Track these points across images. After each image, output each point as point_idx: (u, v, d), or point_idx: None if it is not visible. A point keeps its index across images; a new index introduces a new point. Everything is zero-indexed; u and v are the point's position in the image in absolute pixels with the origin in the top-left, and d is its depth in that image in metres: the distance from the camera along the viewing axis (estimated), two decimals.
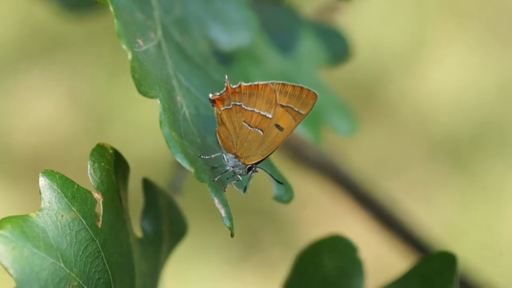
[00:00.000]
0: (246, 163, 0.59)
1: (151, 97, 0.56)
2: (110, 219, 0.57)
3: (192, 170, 0.55)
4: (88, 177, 0.57)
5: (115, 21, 0.55)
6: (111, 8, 0.55)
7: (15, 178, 1.67)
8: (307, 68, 0.77)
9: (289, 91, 0.59)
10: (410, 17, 1.85)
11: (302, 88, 0.59)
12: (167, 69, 0.60)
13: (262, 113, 0.59)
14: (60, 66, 1.76)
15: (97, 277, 0.56)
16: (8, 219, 0.52)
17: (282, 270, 0.70)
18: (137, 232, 0.62)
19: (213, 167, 0.59)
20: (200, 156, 0.58)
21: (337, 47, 0.80)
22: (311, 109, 0.59)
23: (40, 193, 0.54)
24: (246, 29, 0.70)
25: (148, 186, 0.63)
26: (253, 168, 0.59)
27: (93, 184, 0.57)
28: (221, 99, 0.59)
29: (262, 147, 0.59)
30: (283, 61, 0.76)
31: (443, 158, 1.74)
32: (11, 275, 0.51)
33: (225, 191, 0.58)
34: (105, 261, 0.56)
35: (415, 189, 1.70)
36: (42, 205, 0.54)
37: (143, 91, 0.55)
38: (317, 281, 0.68)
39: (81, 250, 0.55)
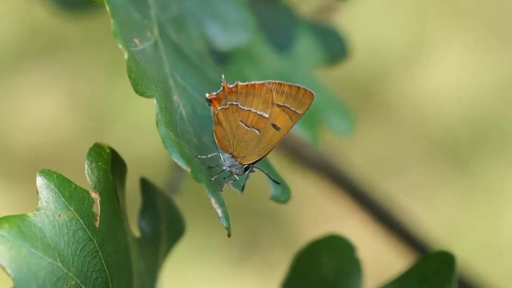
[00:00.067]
0: (243, 163, 0.59)
1: (148, 96, 0.56)
2: (107, 218, 0.57)
3: (188, 169, 0.55)
4: (85, 176, 0.57)
5: (111, 20, 0.55)
6: (107, 8, 0.55)
7: (15, 178, 1.67)
8: (304, 68, 0.77)
9: (286, 90, 0.59)
10: (410, 17, 1.85)
11: (298, 87, 0.59)
12: (163, 69, 0.60)
13: (258, 112, 0.59)
14: (60, 66, 1.76)
15: (94, 276, 0.56)
16: (5, 219, 0.52)
17: (281, 270, 0.70)
18: (135, 232, 0.62)
19: (209, 167, 0.59)
20: (197, 155, 0.58)
21: (334, 47, 0.79)
22: (307, 109, 0.59)
23: (37, 193, 0.55)
24: (243, 29, 0.70)
25: (146, 185, 0.63)
26: (250, 168, 0.59)
27: (90, 183, 0.57)
28: (218, 98, 0.59)
29: (259, 147, 0.59)
30: (280, 60, 0.76)
31: (443, 158, 1.74)
32: (8, 275, 0.51)
33: (222, 191, 0.58)
34: (102, 261, 0.56)
35: (415, 189, 1.70)
36: (40, 205, 0.54)
37: (140, 90, 0.55)
38: (315, 280, 0.68)
39: (79, 250, 0.55)
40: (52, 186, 0.55)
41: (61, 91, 1.75)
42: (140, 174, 0.64)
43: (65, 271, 0.54)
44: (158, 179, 0.70)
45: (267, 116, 0.59)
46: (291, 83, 0.59)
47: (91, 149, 0.57)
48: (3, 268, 0.51)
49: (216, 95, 0.59)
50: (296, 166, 0.92)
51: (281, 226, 1.67)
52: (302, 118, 0.60)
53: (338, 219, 1.62)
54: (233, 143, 0.59)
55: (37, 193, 0.54)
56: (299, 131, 0.74)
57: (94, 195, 0.56)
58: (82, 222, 0.55)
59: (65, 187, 0.55)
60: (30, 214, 0.53)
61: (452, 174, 1.72)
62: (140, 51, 0.57)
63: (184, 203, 0.71)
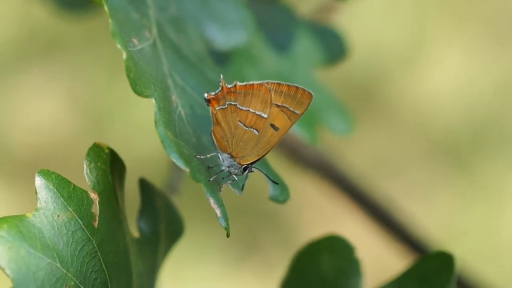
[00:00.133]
0: (242, 163, 0.59)
1: (146, 96, 0.56)
2: (106, 219, 0.57)
3: (187, 169, 0.55)
4: (84, 177, 0.57)
5: (110, 20, 0.55)
6: (105, 8, 0.55)
7: (15, 178, 1.67)
8: (303, 68, 0.77)
9: (284, 90, 0.59)
10: (410, 17, 1.85)
11: (297, 87, 0.59)
12: (162, 69, 0.60)
13: (257, 112, 0.59)
14: (59, 66, 1.76)
15: (93, 277, 0.56)
16: (4, 219, 0.52)
17: (281, 270, 0.70)
18: (134, 232, 0.62)
19: (208, 167, 0.59)
20: (196, 155, 0.58)
21: (333, 47, 0.79)
22: (306, 109, 0.59)
23: (36, 193, 0.55)
24: (242, 29, 0.70)
25: (144, 186, 0.63)
26: (249, 168, 0.59)
27: (89, 184, 0.57)
28: (216, 98, 0.59)
29: (258, 147, 0.59)
30: (279, 60, 0.76)
31: (443, 158, 1.74)
32: (7, 275, 0.51)
33: (220, 191, 0.58)
34: (101, 261, 0.56)
35: (415, 189, 1.70)
36: (38, 205, 0.54)
37: (138, 90, 0.55)
38: (314, 281, 0.68)
39: (78, 250, 0.55)
40: (51, 187, 0.55)
41: (61, 91, 1.75)
42: (139, 174, 0.64)
43: (64, 271, 0.53)
44: (157, 179, 0.70)
45: (265, 116, 0.59)
46: (289, 83, 0.59)
47: (90, 150, 0.57)
48: (2, 269, 0.51)
49: (214, 95, 0.59)
50: (295, 166, 0.92)
51: (281, 226, 1.67)
52: (301, 118, 0.60)
53: (338, 219, 1.62)
54: (232, 143, 0.59)
55: (36, 193, 0.54)
56: (297, 131, 0.74)
57: (93, 196, 0.56)
58: (81, 223, 0.55)
59: (64, 187, 0.55)
60: (29, 214, 0.53)
61: (452, 174, 1.72)
62: (138, 51, 0.57)
63: (183, 203, 0.71)
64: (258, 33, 0.75)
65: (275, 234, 1.66)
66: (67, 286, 0.53)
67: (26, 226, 0.53)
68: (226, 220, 0.56)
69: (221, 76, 0.59)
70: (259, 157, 0.60)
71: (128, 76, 0.55)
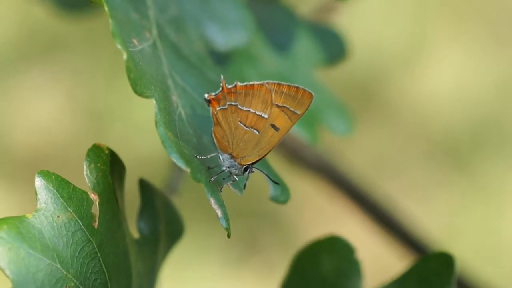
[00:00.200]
0: (242, 163, 0.59)
1: (147, 97, 0.56)
2: (106, 219, 0.57)
3: (188, 170, 0.55)
4: (84, 177, 0.57)
5: (110, 20, 0.55)
6: (106, 8, 0.55)
7: (15, 179, 1.67)
8: (303, 68, 0.77)
9: (285, 91, 0.59)
10: (410, 17, 1.85)
11: (297, 88, 0.59)
12: (162, 69, 0.60)
13: (257, 113, 0.59)
14: (59, 67, 1.76)
15: (93, 278, 0.55)
16: (4, 220, 0.52)
17: (281, 270, 0.70)
18: (134, 232, 0.62)
19: (209, 167, 0.59)
20: (196, 156, 0.58)
21: (333, 47, 0.79)
22: (307, 109, 0.59)
23: (36, 194, 0.54)
24: (242, 29, 0.70)
25: (144, 186, 0.63)
26: (249, 169, 0.59)
27: (89, 184, 0.57)
28: (217, 99, 0.59)
29: (258, 147, 0.59)
30: (279, 60, 0.76)
31: (442, 158, 1.74)
32: (7, 276, 0.51)
33: (221, 191, 0.58)
34: (101, 262, 0.56)
35: (415, 189, 1.70)
36: (38, 206, 0.54)
37: (139, 91, 0.55)
38: (314, 281, 0.68)
39: (78, 251, 0.55)
40: (51, 187, 0.55)
41: (61, 91, 1.75)
42: (139, 175, 0.64)
43: (64, 272, 0.53)
44: (157, 180, 0.70)
45: (266, 116, 0.59)
46: (290, 83, 0.59)
47: (89, 150, 0.57)
48: (2, 270, 0.51)
49: (215, 95, 0.59)
50: (296, 167, 0.92)
51: (281, 227, 1.67)
52: (301, 119, 0.60)
53: (338, 220, 1.62)
54: (232, 144, 0.59)
55: (36, 194, 0.54)
56: (298, 132, 0.73)
57: (93, 196, 0.56)
58: (81, 223, 0.55)
59: (63, 188, 0.55)
60: (28, 215, 0.53)
61: (452, 174, 1.72)
62: (139, 51, 0.57)
63: (183, 203, 0.71)
64: (258, 33, 0.75)
65: (275, 235, 1.66)
66: (67, 287, 0.53)
67: (26, 227, 0.53)
68: (227, 220, 0.56)
69: (222, 76, 0.59)
70: (259, 158, 0.59)
71: (129, 77, 0.55)
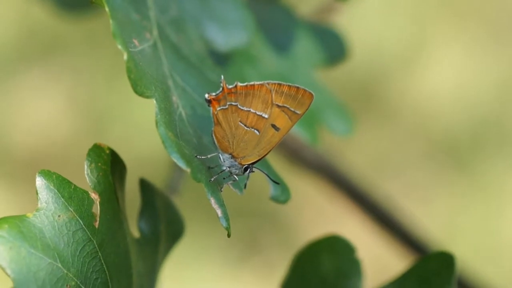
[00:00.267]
0: (243, 163, 0.59)
1: (147, 97, 0.56)
2: (107, 219, 0.57)
3: (188, 170, 0.55)
4: (85, 177, 0.57)
5: (111, 21, 0.55)
6: (106, 9, 0.55)
7: (15, 179, 1.67)
8: (303, 68, 0.77)
9: (285, 91, 0.59)
10: (410, 17, 1.85)
11: (298, 88, 0.59)
12: (162, 69, 0.60)
13: (258, 113, 0.59)
14: (59, 67, 1.76)
15: (94, 277, 0.56)
16: (5, 219, 0.52)
17: (281, 270, 0.70)
18: (135, 232, 0.62)
19: (209, 167, 0.59)
20: (196, 156, 0.58)
21: (333, 48, 0.79)
22: (307, 109, 0.59)
23: (37, 193, 0.55)
24: (242, 29, 0.70)
25: (145, 186, 0.63)
26: (250, 168, 0.59)
27: (90, 184, 0.57)
28: (217, 99, 0.59)
29: (259, 147, 0.59)
30: (279, 61, 0.76)
31: (442, 158, 1.74)
32: (8, 275, 0.51)
33: (221, 191, 0.58)
34: (102, 261, 0.56)
35: (415, 189, 1.70)
36: (39, 205, 0.54)
37: (139, 91, 0.55)
38: (315, 281, 0.68)
39: (79, 250, 0.55)
40: (52, 187, 0.55)
41: (61, 92, 1.75)
42: (139, 175, 0.64)
43: (65, 271, 0.54)
44: (158, 180, 0.70)
45: (266, 116, 0.59)
46: (290, 84, 0.59)
47: (90, 150, 0.57)
48: (3, 269, 0.51)
49: (215, 95, 0.59)
50: (296, 167, 0.92)
51: (281, 227, 1.67)
52: (301, 119, 0.60)
53: (338, 220, 1.62)
54: (233, 144, 0.59)
55: (37, 193, 0.54)
56: (298, 132, 0.74)
57: (94, 196, 0.56)
58: (82, 223, 0.55)
59: (64, 187, 0.55)
60: (29, 214, 0.53)
61: (452, 174, 1.72)
62: (139, 51, 0.57)
63: (184, 203, 0.71)
64: (258, 33, 0.75)
65: (275, 235, 1.66)
66: (68, 286, 0.53)
67: (27, 226, 0.53)
68: (227, 220, 0.56)
69: (222, 76, 0.59)
70: (260, 157, 0.60)
71: (129, 77, 0.55)
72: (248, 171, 0.60)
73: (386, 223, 0.92)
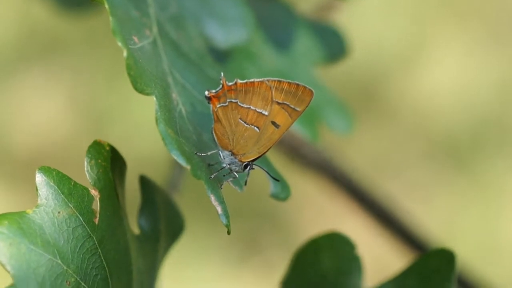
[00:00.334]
0: (243, 160, 0.59)
1: (147, 94, 0.56)
2: (107, 216, 0.57)
3: (188, 167, 0.55)
4: (85, 174, 0.57)
5: (110, 18, 0.55)
6: (106, 6, 0.55)
7: (15, 179, 1.67)
8: (303, 66, 0.77)
9: (285, 88, 0.59)
10: (410, 17, 1.85)
11: (298, 85, 0.59)
12: (162, 66, 0.60)
13: (258, 110, 0.59)
14: (59, 67, 1.76)
15: (94, 273, 0.56)
16: (4, 216, 0.52)
17: (281, 270, 0.70)
18: (135, 229, 0.62)
19: (209, 165, 0.59)
20: (196, 153, 0.58)
21: (333, 45, 0.79)
22: (307, 106, 0.59)
23: (37, 190, 0.55)
24: (242, 26, 0.70)
25: (145, 183, 0.63)
26: (250, 165, 0.59)
27: (90, 180, 0.57)
28: (217, 96, 0.59)
29: (259, 144, 0.59)
30: (279, 58, 0.76)
31: (442, 158, 1.74)
32: (8, 272, 0.51)
33: (221, 188, 0.58)
34: (102, 258, 0.56)
35: (415, 189, 1.70)
36: (39, 202, 0.54)
37: (139, 88, 0.55)
38: (315, 278, 0.68)
39: (78, 247, 0.55)
40: (52, 183, 0.55)
41: (61, 92, 1.75)
42: (139, 174, 0.64)
43: (65, 268, 0.53)
44: (158, 180, 0.70)
45: (266, 113, 0.59)
46: (290, 81, 0.59)
47: (90, 147, 0.57)
48: (3, 265, 0.51)
49: (215, 93, 0.59)
50: (296, 165, 0.92)
51: (281, 226, 1.67)
52: (301, 116, 0.60)
53: (338, 219, 1.62)
54: (233, 141, 0.59)
55: (37, 190, 0.54)
56: (298, 129, 0.74)
57: (94, 192, 0.56)
58: (82, 219, 0.55)
59: (64, 184, 0.55)
60: (29, 211, 0.53)
61: (452, 174, 1.72)
62: (139, 48, 0.57)
63: (184, 203, 0.71)
64: (258, 30, 0.75)
65: (275, 234, 1.66)
66: (68, 283, 0.53)
67: (27, 222, 0.53)
68: (227, 217, 0.56)
69: (222, 73, 0.59)
70: (260, 155, 0.60)
71: (129, 74, 0.55)
72: (248, 168, 0.60)
73: (386, 222, 0.92)
